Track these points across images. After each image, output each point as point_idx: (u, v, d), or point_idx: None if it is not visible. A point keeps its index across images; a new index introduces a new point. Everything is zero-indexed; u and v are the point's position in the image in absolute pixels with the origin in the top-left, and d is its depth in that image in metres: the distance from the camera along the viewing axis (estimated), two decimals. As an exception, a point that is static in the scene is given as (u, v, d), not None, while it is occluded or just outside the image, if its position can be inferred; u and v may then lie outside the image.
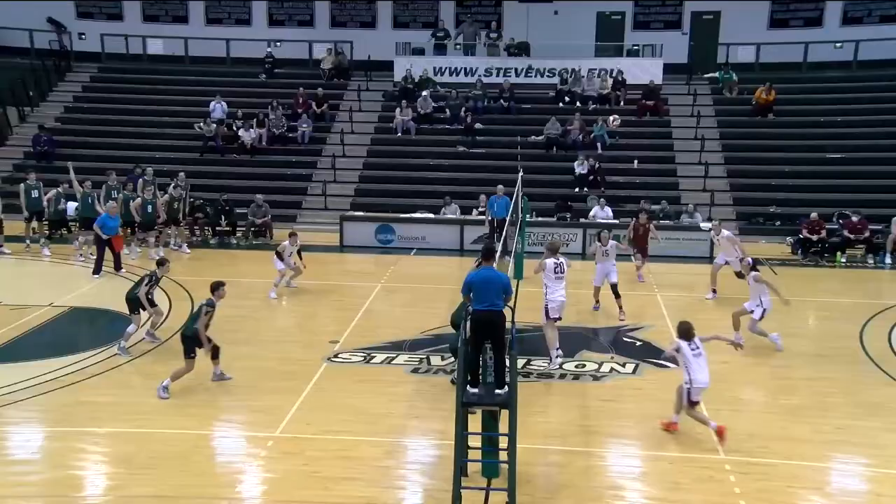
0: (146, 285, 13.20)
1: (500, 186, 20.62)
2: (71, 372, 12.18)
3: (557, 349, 12.62)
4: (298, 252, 16.85)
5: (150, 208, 19.77)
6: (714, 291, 16.59)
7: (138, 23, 31.67)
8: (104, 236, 17.50)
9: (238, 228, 22.12)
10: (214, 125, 26.23)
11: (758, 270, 13.61)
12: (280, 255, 16.50)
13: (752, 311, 13.39)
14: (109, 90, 29.52)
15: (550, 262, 12.66)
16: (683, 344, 10.17)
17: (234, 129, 26.15)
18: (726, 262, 16.43)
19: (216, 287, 11.76)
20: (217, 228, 22.04)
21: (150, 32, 31.32)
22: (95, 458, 9.83)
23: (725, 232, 16.66)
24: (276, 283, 16.58)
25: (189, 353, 11.35)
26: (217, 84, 28.83)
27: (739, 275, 15.75)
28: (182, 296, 16.25)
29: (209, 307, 11.51)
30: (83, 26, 31.62)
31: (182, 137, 27.03)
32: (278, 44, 30.47)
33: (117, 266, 17.67)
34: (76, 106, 28.84)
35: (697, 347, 10.18)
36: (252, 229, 21.70)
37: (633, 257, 17.93)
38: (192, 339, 11.39)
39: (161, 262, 13.67)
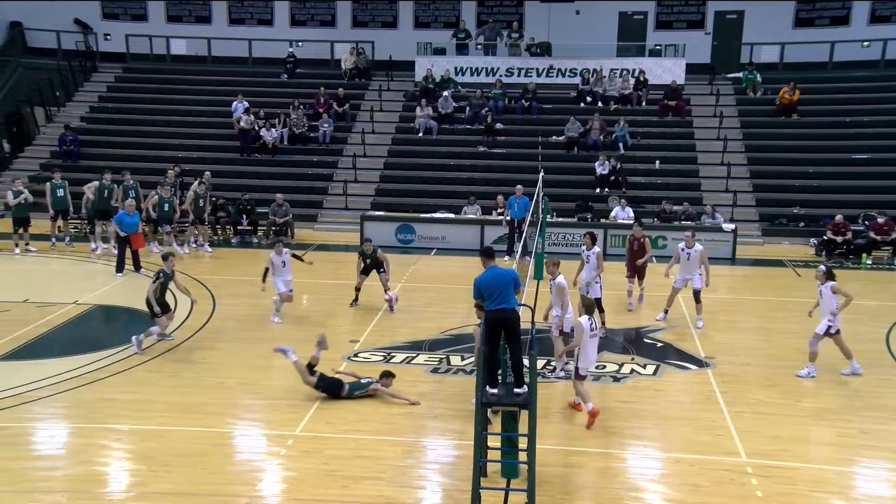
0: (154, 283, 13.20)
1: (520, 187, 20.52)
2: (94, 369, 12.32)
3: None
4: (296, 256, 15.66)
5: (166, 206, 20.07)
6: (666, 312, 15.14)
7: (162, 23, 31.94)
8: (122, 233, 17.66)
9: (259, 228, 22.29)
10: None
11: (833, 279, 12.58)
12: (267, 272, 14.86)
13: (829, 328, 12.43)
14: (134, 90, 29.77)
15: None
16: (585, 319, 10.57)
17: (256, 128, 26.30)
18: (685, 284, 14.88)
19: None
20: (238, 227, 22.20)
21: (174, 33, 31.57)
22: (117, 455, 9.93)
23: (699, 246, 14.81)
24: (276, 304, 15.01)
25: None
26: (239, 84, 28.96)
27: (697, 296, 14.67)
28: (204, 294, 16.39)
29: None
30: (108, 27, 31.95)
31: (205, 137, 27.25)
32: (300, 44, 30.58)
33: (136, 266, 17.78)
34: (101, 106, 29.10)
35: (595, 328, 10.76)
36: (273, 228, 21.81)
37: (626, 280, 15.75)
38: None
39: (165, 257, 13.57)
